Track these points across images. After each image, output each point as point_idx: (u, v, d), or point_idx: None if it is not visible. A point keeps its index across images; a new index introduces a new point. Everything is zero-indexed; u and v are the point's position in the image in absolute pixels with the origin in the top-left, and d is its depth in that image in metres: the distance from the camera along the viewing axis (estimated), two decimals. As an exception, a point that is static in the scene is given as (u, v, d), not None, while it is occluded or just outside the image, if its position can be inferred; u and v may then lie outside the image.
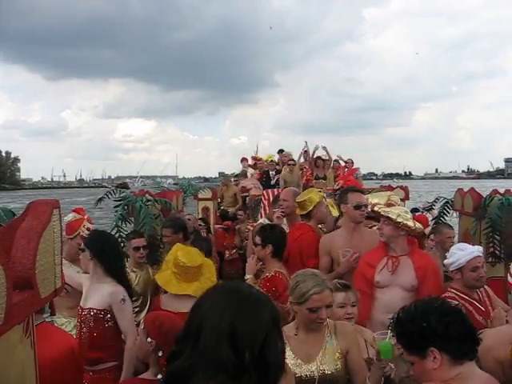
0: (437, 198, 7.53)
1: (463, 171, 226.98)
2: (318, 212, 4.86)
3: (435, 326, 2.00)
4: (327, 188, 8.91)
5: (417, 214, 7.39)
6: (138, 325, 3.50)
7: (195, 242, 4.55)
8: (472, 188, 6.33)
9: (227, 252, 7.04)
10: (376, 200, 4.18)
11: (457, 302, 3.40)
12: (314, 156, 10.73)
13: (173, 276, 3.59)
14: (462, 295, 3.54)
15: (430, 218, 7.30)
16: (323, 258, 4.42)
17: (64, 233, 4.44)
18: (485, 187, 6.29)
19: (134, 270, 4.65)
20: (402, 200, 8.89)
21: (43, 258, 1.68)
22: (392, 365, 2.63)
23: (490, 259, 5.57)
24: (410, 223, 3.80)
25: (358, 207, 4.39)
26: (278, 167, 10.75)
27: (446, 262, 3.69)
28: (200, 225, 7.91)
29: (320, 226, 5.09)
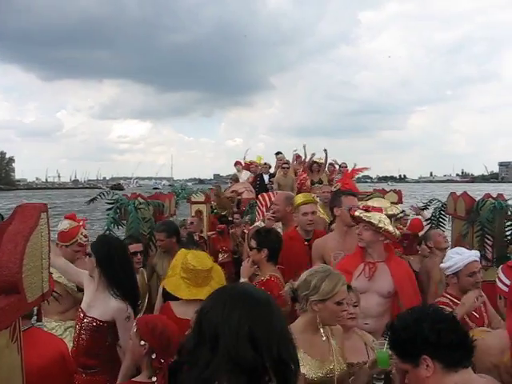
0: (431, 200, 7.56)
1: (457, 175, 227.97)
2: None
3: (427, 334, 1.98)
4: (322, 192, 8.87)
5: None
6: None
7: (185, 246, 4.52)
8: (465, 192, 6.36)
9: (220, 255, 7.03)
10: (376, 205, 4.14)
11: (450, 309, 3.40)
12: (310, 161, 10.66)
13: (182, 281, 3.51)
14: (456, 301, 3.51)
15: (422, 219, 7.32)
16: (316, 262, 4.38)
17: (56, 240, 4.42)
18: (479, 191, 6.32)
19: None
20: (396, 203, 8.92)
21: (30, 262, 1.66)
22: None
23: (483, 263, 5.58)
24: (391, 229, 3.80)
25: (349, 209, 4.36)
26: (270, 170, 10.76)
27: (442, 265, 3.67)
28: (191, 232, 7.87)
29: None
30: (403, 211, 8.17)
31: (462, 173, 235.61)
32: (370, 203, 4.21)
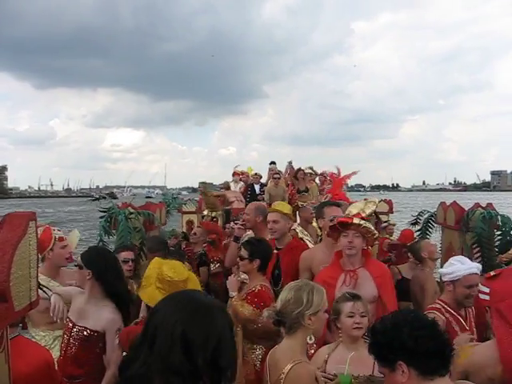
0: (421, 212, 7.56)
1: (450, 183, 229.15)
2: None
3: (404, 340, 1.96)
4: (312, 202, 8.85)
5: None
6: None
7: (171, 256, 4.49)
8: (454, 201, 6.38)
9: (211, 265, 6.99)
10: (353, 210, 4.10)
11: (443, 318, 3.41)
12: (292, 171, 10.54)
13: (157, 291, 3.50)
14: (448, 309, 3.51)
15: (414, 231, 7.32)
16: (303, 274, 4.36)
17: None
18: (471, 199, 6.35)
19: None
20: (386, 213, 8.92)
21: (18, 271, 1.66)
22: None
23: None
24: (376, 233, 3.94)
25: (333, 221, 4.31)
26: (262, 181, 10.74)
27: (441, 270, 3.65)
28: (180, 241, 7.82)
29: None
30: (387, 221, 8.16)
31: (455, 181, 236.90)
32: (351, 209, 4.18)
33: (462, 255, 5.78)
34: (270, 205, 6.36)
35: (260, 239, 4.28)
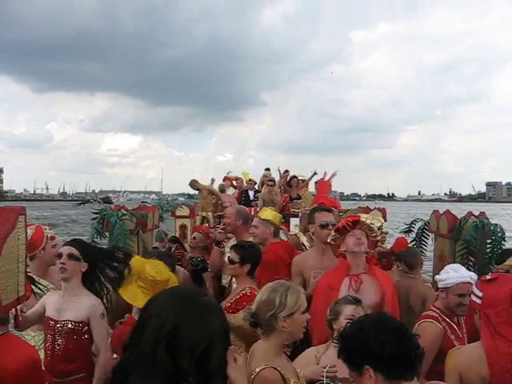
0: (414, 220, 7.55)
1: (445, 194, 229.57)
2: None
3: (370, 344, 1.93)
4: (305, 209, 8.85)
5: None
6: None
7: (160, 257, 4.49)
8: (447, 210, 6.40)
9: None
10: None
11: (441, 327, 3.40)
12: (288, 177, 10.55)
13: (139, 290, 3.51)
14: (444, 317, 3.50)
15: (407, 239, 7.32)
16: (295, 279, 4.38)
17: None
18: (466, 210, 6.35)
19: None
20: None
21: (6, 265, 1.67)
22: None
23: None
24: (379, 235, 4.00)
25: (323, 226, 4.41)
26: (256, 187, 10.75)
27: (436, 277, 3.65)
28: (171, 246, 7.79)
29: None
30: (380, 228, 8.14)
31: (450, 192, 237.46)
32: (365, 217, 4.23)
33: (454, 263, 5.83)
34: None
35: (251, 244, 4.30)
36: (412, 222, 7.53)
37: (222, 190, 10.94)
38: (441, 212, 6.49)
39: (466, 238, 5.71)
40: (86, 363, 3.48)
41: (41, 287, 3.90)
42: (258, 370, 2.49)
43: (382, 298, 3.78)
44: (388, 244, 7.29)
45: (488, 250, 5.73)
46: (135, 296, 3.48)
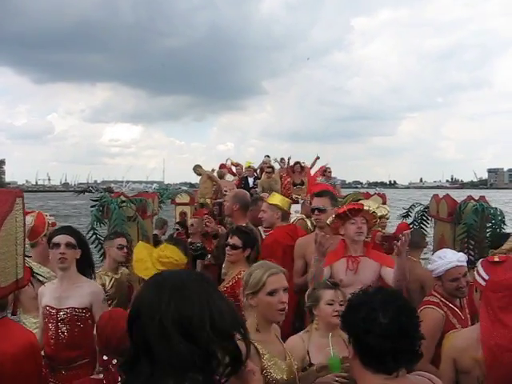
0: (413, 205, 7.58)
1: (447, 181, 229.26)
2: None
3: (358, 323, 1.82)
4: (305, 195, 8.88)
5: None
6: None
7: (176, 243, 4.50)
8: (447, 194, 6.41)
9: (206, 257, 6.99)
10: (366, 204, 4.22)
11: (442, 313, 3.42)
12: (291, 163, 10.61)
13: None
14: (445, 301, 3.51)
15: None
16: (298, 261, 4.47)
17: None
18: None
19: (108, 274, 4.63)
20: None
21: (4, 247, 1.68)
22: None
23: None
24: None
25: (312, 210, 4.55)
26: (255, 174, 10.78)
27: (429, 267, 3.69)
28: (177, 229, 7.86)
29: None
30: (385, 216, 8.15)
31: (452, 179, 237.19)
32: (364, 202, 4.26)
33: (454, 248, 5.84)
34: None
35: (250, 228, 4.33)
36: (410, 207, 7.56)
37: (221, 176, 10.95)
38: (440, 196, 6.50)
39: (467, 221, 5.73)
40: (89, 349, 3.51)
41: (42, 275, 3.94)
42: None
43: (379, 278, 3.86)
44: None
45: (488, 234, 5.74)
46: None
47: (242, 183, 10.57)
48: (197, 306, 1.41)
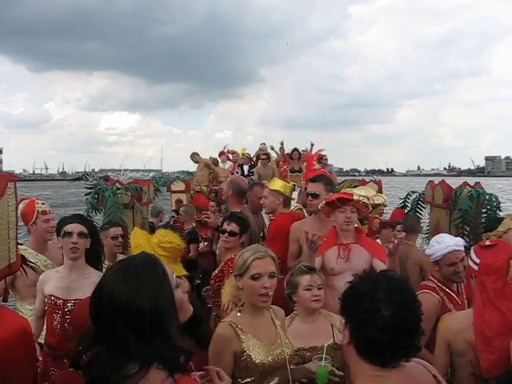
0: (409, 193, 7.60)
1: (445, 168, 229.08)
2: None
3: (359, 312, 1.74)
4: (302, 182, 8.89)
5: None
6: None
7: (172, 230, 4.53)
8: (443, 180, 6.44)
9: (200, 244, 7.02)
10: (363, 193, 4.21)
11: (438, 297, 3.45)
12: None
13: (165, 261, 3.54)
14: (442, 286, 3.54)
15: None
16: (292, 245, 4.49)
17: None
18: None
19: (105, 263, 4.62)
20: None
21: (-5, 231, 1.68)
22: None
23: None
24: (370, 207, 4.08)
25: (307, 195, 4.60)
26: (251, 161, 10.79)
27: (426, 252, 3.72)
28: (173, 216, 7.90)
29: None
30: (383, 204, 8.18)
31: (449, 167, 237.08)
32: (355, 191, 4.25)
33: (450, 233, 5.87)
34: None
35: (246, 215, 4.35)
36: (407, 196, 7.58)
37: (216, 163, 10.96)
38: (436, 182, 6.53)
39: (462, 207, 5.75)
40: None
41: (37, 263, 3.91)
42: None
43: (371, 265, 3.83)
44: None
45: (483, 220, 5.77)
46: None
47: (237, 171, 10.57)
48: (146, 297, 1.43)
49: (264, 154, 9.85)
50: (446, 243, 3.53)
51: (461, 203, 5.81)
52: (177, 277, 2.00)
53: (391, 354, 1.71)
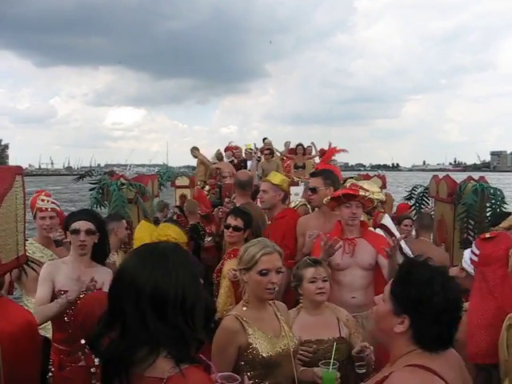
0: (415, 187, 7.61)
1: (450, 163, 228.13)
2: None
3: (436, 306, 1.74)
4: (306, 178, 8.90)
5: None
6: None
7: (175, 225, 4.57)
8: (447, 175, 6.44)
9: (205, 239, 7.03)
10: (366, 187, 4.21)
11: None
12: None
13: None
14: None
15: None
16: (299, 239, 4.50)
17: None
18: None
19: (114, 253, 4.66)
20: (380, 189, 8.96)
21: (4, 224, 1.70)
22: None
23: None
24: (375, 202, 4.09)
25: (307, 190, 4.62)
26: (255, 156, 10.81)
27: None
28: (176, 212, 7.90)
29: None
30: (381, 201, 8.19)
31: (455, 161, 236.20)
32: (363, 184, 4.28)
33: (454, 228, 5.89)
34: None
35: (249, 209, 4.36)
36: (412, 189, 7.59)
37: (221, 158, 10.95)
38: (440, 177, 6.53)
39: (466, 201, 5.76)
40: None
41: (41, 260, 3.94)
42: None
43: (376, 260, 3.84)
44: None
45: (488, 214, 5.78)
46: None
47: (242, 166, 10.56)
48: (174, 284, 1.43)
49: (267, 149, 9.84)
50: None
51: (465, 197, 5.82)
52: None
53: (445, 341, 1.80)
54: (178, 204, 9.29)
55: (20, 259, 1.88)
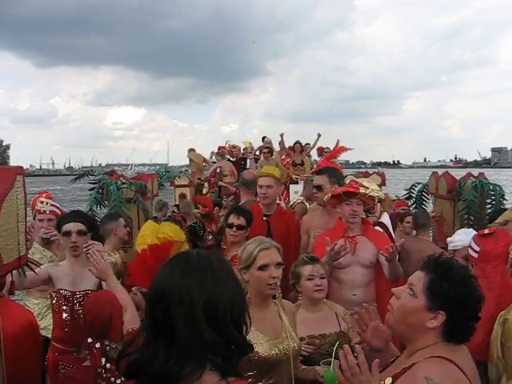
0: (414, 185, 7.60)
1: (451, 160, 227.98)
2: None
3: (473, 304, 1.85)
4: (304, 175, 8.90)
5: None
6: None
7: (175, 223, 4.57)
8: (446, 171, 6.45)
9: (204, 237, 7.02)
10: (366, 184, 4.22)
11: None
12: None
13: None
14: None
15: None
16: (303, 237, 4.51)
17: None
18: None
19: (111, 253, 4.63)
20: (379, 186, 8.95)
21: (5, 224, 1.71)
22: None
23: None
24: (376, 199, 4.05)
25: (312, 187, 4.57)
26: (253, 155, 10.83)
27: (449, 239, 3.79)
28: (174, 211, 7.91)
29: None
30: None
31: (456, 158, 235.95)
32: (363, 181, 4.28)
33: (454, 224, 5.89)
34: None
35: (248, 207, 4.37)
36: (411, 187, 7.59)
37: (223, 155, 10.93)
38: (440, 173, 6.54)
39: (467, 198, 5.77)
40: None
41: (43, 259, 3.96)
42: None
43: (377, 257, 3.82)
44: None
45: (488, 211, 5.78)
46: None
47: (242, 164, 10.53)
48: (224, 294, 1.38)
49: (265, 148, 9.82)
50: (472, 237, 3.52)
51: (465, 194, 5.83)
52: None
53: (468, 335, 1.87)
54: (177, 203, 9.29)
55: (21, 259, 1.89)
